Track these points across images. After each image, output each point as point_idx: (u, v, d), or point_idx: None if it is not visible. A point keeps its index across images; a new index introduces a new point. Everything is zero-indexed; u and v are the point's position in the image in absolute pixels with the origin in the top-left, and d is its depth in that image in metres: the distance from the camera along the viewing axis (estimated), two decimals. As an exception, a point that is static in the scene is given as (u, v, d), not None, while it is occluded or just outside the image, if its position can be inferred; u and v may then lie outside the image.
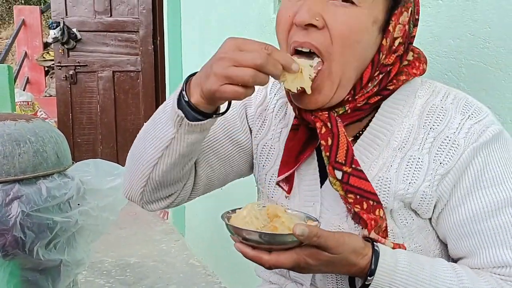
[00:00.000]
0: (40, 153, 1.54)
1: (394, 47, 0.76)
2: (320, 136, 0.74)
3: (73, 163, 1.73)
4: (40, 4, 8.20)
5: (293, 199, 0.84)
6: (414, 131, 0.77)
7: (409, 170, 0.76)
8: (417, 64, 0.80)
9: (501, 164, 0.73)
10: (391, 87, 0.77)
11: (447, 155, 0.74)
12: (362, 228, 0.74)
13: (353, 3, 0.70)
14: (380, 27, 0.73)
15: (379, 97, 0.77)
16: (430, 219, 0.78)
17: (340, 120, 0.75)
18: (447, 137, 0.74)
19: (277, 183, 0.83)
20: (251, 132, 0.91)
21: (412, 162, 0.76)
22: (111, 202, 1.72)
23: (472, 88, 0.99)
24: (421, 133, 0.77)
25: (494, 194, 0.72)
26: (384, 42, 0.74)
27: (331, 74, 0.72)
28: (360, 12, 0.70)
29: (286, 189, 0.82)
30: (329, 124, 0.74)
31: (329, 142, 0.73)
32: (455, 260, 0.79)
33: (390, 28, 0.74)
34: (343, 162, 0.73)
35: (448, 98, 0.78)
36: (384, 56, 0.75)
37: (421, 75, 0.81)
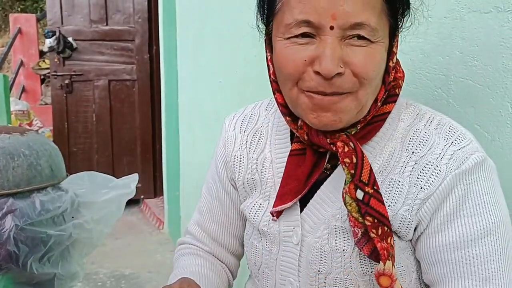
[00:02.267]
0: (34, 166, 1.54)
1: (394, 64, 0.77)
2: (342, 154, 0.73)
3: (67, 175, 1.73)
4: (37, 12, 8.21)
5: (276, 223, 0.84)
6: (396, 154, 0.78)
7: (389, 193, 0.76)
8: (398, 67, 0.81)
9: (482, 193, 0.73)
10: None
11: (428, 180, 0.74)
12: (369, 259, 0.75)
13: (368, 39, 0.69)
14: (386, 49, 0.74)
15: (387, 107, 0.78)
16: (411, 240, 0.79)
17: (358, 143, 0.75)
18: (429, 162, 0.75)
19: (272, 213, 0.83)
20: (235, 184, 0.94)
21: (393, 185, 0.76)
22: (106, 215, 1.72)
23: (461, 105, 1.00)
24: (403, 157, 0.77)
25: (472, 225, 0.72)
26: (390, 63, 0.75)
27: (356, 99, 0.72)
28: (376, 47, 0.70)
29: (275, 215, 0.83)
30: (351, 144, 0.74)
31: (354, 160, 0.73)
32: (427, 286, 0.80)
33: (394, 49, 0.76)
34: (367, 182, 0.72)
35: (432, 123, 0.79)
36: (391, 76, 0.76)
37: (403, 78, 0.82)
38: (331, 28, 0.67)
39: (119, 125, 4.23)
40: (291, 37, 0.71)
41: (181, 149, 3.10)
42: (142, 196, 4.20)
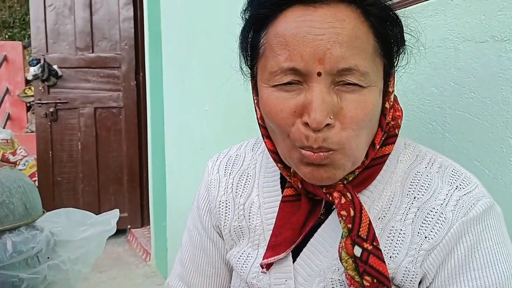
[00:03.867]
0: (6, 204, 1.45)
1: (391, 103, 0.71)
2: (339, 206, 0.67)
3: (43, 212, 1.64)
4: (24, 39, 8.17)
5: (266, 275, 0.76)
6: (396, 199, 0.71)
7: (391, 243, 0.69)
8: (396, 106, 0.75)
9: (493, 243, 0.66)
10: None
11: (433, 229, 0.67)
12: None
13: (359, 85, 0.63)
14: (381, 92, 0.68)
15: (386, 149, 0.73)
16: None
17: (356, 194, 0.69)
18: (434, 208, 0.68)
19: (262, 265, 0.75)
20: (220, 231, 0.87)
21: (394, 233, 0.69)
22: (84, 254, 1.63)
23: (457, 139, 0.94)
24: (404, 202, 0.70)
25: (483, 278, 0.65)
26: (387, 104, 0.70)
27: (345, 155, 0.65)
28: (368, 93, 0.64)
29: (265, 267, 0.75)
30: (348, 195, 0.67)
31: (351, 213, 0.66)
32: None
33: (390, 89, 0.70)
34: (365, 237, 0.65)
35: (434, 166, 0.72)
36: (388, 117, 0.71)
37: (402, 117, 0.76)
38: (319, 74, 0.62)
39: (105, 153, 4.13)
40: (277, 85, 0.65)
41: (167, 178, 3.01)
42: (129, 226, 4.08)
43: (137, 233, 4.02)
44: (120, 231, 3.91)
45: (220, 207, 0.85)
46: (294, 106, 0.64)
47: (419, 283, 0.69)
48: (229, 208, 0.84)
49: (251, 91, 0.76)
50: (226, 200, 0.84)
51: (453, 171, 0.71)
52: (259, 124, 0.75)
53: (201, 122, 2.37)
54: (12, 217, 1.47)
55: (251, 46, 0.70)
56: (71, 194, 4.07)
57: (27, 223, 1.51)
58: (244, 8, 0.72)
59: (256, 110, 0.75)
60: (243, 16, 0.72)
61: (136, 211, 4.16)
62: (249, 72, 0.74)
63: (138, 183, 4.18)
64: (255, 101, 0.75)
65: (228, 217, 0.83)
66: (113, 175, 4.14)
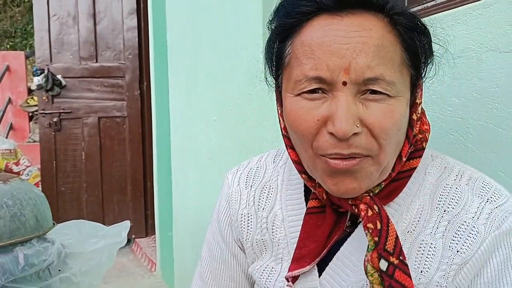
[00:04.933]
0: (17, 217, 1.44)
1: (418, 115, 0.70)
2: (365, 218, 0.66)
3: (54, 224, 1.62)
4: (26, 49, 8.18)
5: None
6: (426, 212, 0.70)
7: (421, 257, 0.68)
8: (423, 119, 0.74)
9: None
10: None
11: (465, 242, 0.66)
12: None
13: (386, 94, 0.63)
14: (408, 103, 0.67)
15: (413, 163, 0.72)
16: None
17: (383, 206, 0.68)
18: (465, 222, 0.67)
19: (287, 278, 0.74)
20: (242, 245, 0.86)
21: (424, 247, 0.68)
22: (95, 266, 1.61)
23: (481, 150, 0.93)
24: (434, 216, 0.69)
25: None
26: (414, 116, 0.69)
27: (376, 162, 0.65)
28: (395, 103, 0.63)
29: (290, 280, 0.74)
30: (375, 207, 0.66)
31: (378, 226, 0.65)
32: None
33: (417, 100, 0.69)
34: (392, 251, 0.64)
35: (463, 178, 0.71)
36: (415, 129, 0.70)
37: (429, 131, 0.75)
38: (344, 83, 0.61)
39: (109, 163, 4.12)
40: (302, 93, 0.64)
41: (173, 188, 2.99)
42: (133, 236, 4.06)
43: (142, 243, 4.00)
44: (125, 241, 3.89)
45: (242, 221, 0.84)
46: (318, 115, 0.63)
47: None
48: (251, 222, 0.82)
49: (276, 102, 0.75)
50: (248, 213, 0.83)
51: (483, 183, 0.70)
52: (282, 134, 0.74)
53: (209, 131, 2.36)
54: (24, 229, 1.45)
55: (277, 56, 0.70)
56: (75, 204, 4.05)
57: (38, 235, 1.49)
58: (271, 19, 0.71)
59: (280, 121, 0.74)
60: (269, 27, 0.72)
61: (141, 221, 4.14)
62: (274, 82, 0.74)
63: (142, 193, 4.16)
64: (279, 111, 0.74)
65: (251, 231, 0.82)
66: (117, 185, 4.13)
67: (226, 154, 2.17)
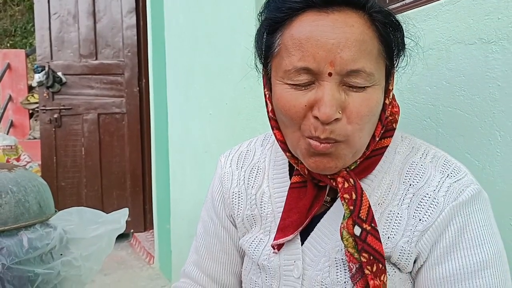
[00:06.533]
0: (22, 203, 1.52)
1: (390, 100, 0.79)
2: (342, 190, 0.74)
3: (56, 211, 1.70)
4: (26, 47, 8.25)
5: (276, 256, 0.83)
6: (394, 186, 0.78)
7: (389, 225, 0.76)
8: (393, 102, 0.83)
9: (480, 225, 0.74)
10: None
11: (426, 212, 0.74)
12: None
13: (365, 86, 0.70)
14: (383, 90, 0.75)
15: (384, 142, 0.80)
16: (411, 272, 0.78)
17: (357, 179, 0.76)
18: (427, 194, 0.75)
19: (273, 246, 0.83)
20: (233, 220, 0.94)
21: (392, 217, 0.77)
22: (95, 251, 1.69)
23: (450, 134, 1.01)
24: (401, 189, 0.78)
25: (472, 256, 0.72)
26: (387, 101, 0.77)
27: (350, 145, 0.73)
28: (373, 91, 0.71)
29: (276, 248, 0.82)
30: (351, 180, 0.75)
31: (353, 196, 0.73)
32: None
33: (390, 87, 0.77)
34: (365, 218, 0.73)
35: (428, 156, 0.80)
36: (387, 112, 0.78)
37: (399, 113, 0.83)
38: (330, 74, 0.69)
39: (109, 159, 4.20)
40: (291, 83, 0.72)
41: (171, 182, 3.07)
42: (132, 230, 4.14)
43: (140, 237, 4.07)
44: (123, 235, 3.97)
45: (233, 198, 0.92)
46: (306, 101, 0.71)
47: (414, 262, 0.76)
48: (242, 199, 0.91)
49: (263, 87, 0.83)
50: (239, 191, 0.92)
51: (445, 161, 0.79)
52: (269, 117, 0.82)
53: (205, 125, 2.44)
54: (28, 215, 1.53)
55: (266, 46, 0.78)
56: (74, 199, 4.13)
57: (41, 220, 1.57)
58: (261, 11, 0.79)
59: (267, 104, 0.82)
60: (259, 18, 0.80)
61: (139, 216, 4.22)
62: (263, 69, 0.82)
63: (141, 188, 4.24)
64: (267, 95, 0.82)
65: (241, 207, 0.91)
66: (116, 180, 4.20)
67: (221, 147, 2.25)
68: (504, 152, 0.90)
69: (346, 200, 0.74)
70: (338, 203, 0.81)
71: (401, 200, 0.77)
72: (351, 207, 0.73)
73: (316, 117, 0.70)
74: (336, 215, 0.80)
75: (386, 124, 0.81)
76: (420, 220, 0.75)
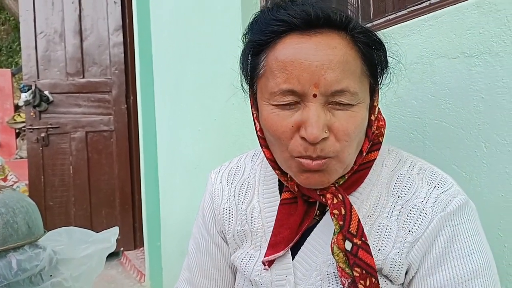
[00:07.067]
0: (10, 224, 1.50)
1: (376, 116, 0.80)
2: (332, 206, 0.75)
3: (45, 232, 1.68)
4: (11, 67, 8.21)
5: (268, 272, 0.84)
6: (383, 199, 0.80)
7: (379, 237, 0.77)
8: (379, 116, 0.84)
9: (469, 234, 0.75)
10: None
11: (415, 223, 0.76)
12: None
13: (350, 104, 0.72)
14: (368, 107, 0.77)
15: (372, 155, 0.81)
16: (402, 284, 0.79)
17: (346, 195, 0.77)
18: (415, 205, 0.77)
19: (263, 262, 0.83)
20: (224, 236, 0.95)
21: (381, 229, 0.78)
22: (85, 271, 1.67)
23: (437, 147, 1.03)
24: (390, 201, 0.79)
25: (462, 266, 0.73)
26: (372, 117, 0.79)
27: (339, 161, 0.74)
28: (357, 109, 0.73)
29: (267, 264, 0.83)
30: (340, 196, 0.76)
31: (343, 212, 0.74)
32: None
33: (375, 103, 0.79)
34: (355, 233, 0.73)
35: (415, 168, 0.81)
36: (373, 128, 0.79)
37: (385, 126, 0.85)
38: (314, 96, 0.70)
39: (97, 177, 4.17)
40: (277, 104, 0.73)
41: (161, 199, 3.06)
42: (122, 248, 4.10)
43: (130, 255, 4.03)
44: (113, 254, 3.92)
45: (224, 214, 0.92)
46: (292, 122, 0.72)
47: (405, 274, 0.77)
48: (232, 214, 0.91)
49: (250, 106, 0.84)
50: (229, 207, 0.92)
51: (431, 173, 0.80)
52: (258, 136, 0.83)
53: (194, 142, 2.45)
54: (16, 236, 1.51)
55: (251, 67, 0.79)
56: (63, 218, 4.08)
57: (30, 242, 1.55)
58: (245, 32, 0.80)
59: (255, 123, 0.83)
60: (243, 40, 0.81)
61: (129, 234, 4.18)
62: (249, 89, 0.83)
63: (130, 206, 4.21)
64: (254, 115, 0.83)
65: (232, 222, 0.91)
66: (105, 198, 4.17)
67: (211, 163, 2.25)
68: (490, 163, 0.92)
69: (336, 216, 0.75)
70: (327, 216, 0.82)
71: (390, 212, 0.78)
72: (341, 222, 0.74)
73: (303, 138, 0.71)
74: (326, 228, 0.81)
75: (373, 139, 0.82)
76: (409, 231, 0.76)
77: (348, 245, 0.73)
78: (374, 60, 0.76)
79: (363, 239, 0.74)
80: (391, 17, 1.21)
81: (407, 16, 1.13)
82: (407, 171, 0.81)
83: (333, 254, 0.74)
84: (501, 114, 0.90)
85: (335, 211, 0.75)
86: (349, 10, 0.80)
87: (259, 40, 0.76)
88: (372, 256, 0.73)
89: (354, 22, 0.73)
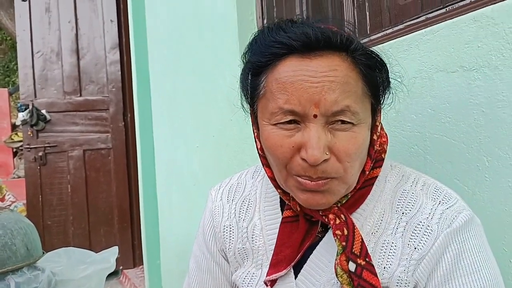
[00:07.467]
0: (8, 246, 1.49)
1: (378, 134, 0.80)
2: (334, 226, 0.74)
3: (43, 253, 1.67)
4: (9, 86, 8.22)
5: None
6: (387, 215, 0.79)
7: (384, 255, 0.76)
8: (381, 132, 0.83)
9: (476, 251, 0.74)
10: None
11: (421, 240, 0.75)
12: None
13: (351, 123, 0.71)
14: (369, 127, 0.76)
15: (374, 172, 0.80)
16: None
17: (349, 215, 0.76)
18: (420, 222, 0.76)
19: (265, 282, 0.82)
20: (225, 255, 0.93)
21: (386, 246, 0.77)
22: (84, 292, 1.65)
23: (438, 161, 1.02)
24: (394, 218, 0.78)
25: (470, 283, 0.72)
26: (374, 136, 0.78)
27: (342, 182, 0.73)
28: (359, 129, 0.72)
29: (269, 284, 0.81)
30: (342, 217, 0.75)
31: (345, 232, 0.73)
32: None
33: (377, 123, 0.78)
34: (358, 254, 0.72)
35: (418, 184, 0.80)
36: (376, 146, 0.79)
37: (387, 142, 0.84)
38: (315, 116, 0.70)
39: (95, 195, 4.14)
40: (278, 123, 0.73)
41: (160, 216, 3.04)
42: (121, 267, 4.05)
43: (130, 273, 3.99)
44: (113, 273, 3.87)
45: (224, 232, 0.91)
46: (293, 143, 0.72)
47: None
48: (233, 232, 0.90)
49: (251, 124, 0.83)
50: (230, 225, 0.91)
51: (435, 188, 0.79)
52: (259, 154, 0.83)
53: (192, 159, 2.44)
54: (15, 258, 1.50)
55: (252, 87, 0.78)
56: (61, 237, 4.05)
57: (29, 263, 1.54)
58: (245, 52, 0.80)
59: (256, 142, 0.83)
60: (243, 60, 0.81)
61: (128, 252, 4.15)
62: (250, 108, 0.82)
63: (129, 223, 4.18)
64: (255, 134, 0.82)
65: (233, 240, 0.90)
66: (104, 217, 4.14)
67: (209, 180, 2.24)
68: (492, 177, 0.92)
69: (338, 236, 0.74)
70: (329, 233, 0.81)
71: (394, 229, 0.77)
72: (344, 243, 0.73)
73: (304, 159, 0.71)
74: (328, 245, 0.80)
75: (376, 157, 0.81)
76: (415, 248, 0.75)
77: (352, 266, 0.72)
78: (375, 81, 0.75)
79: (367, 259, 0.73)
80: (388, 31, 1.21)
81: (405, 31, 1.13)
82: (410, 187, 0.80)
83: (337, 276, 0.73)
84: (502, 128, 0.89)
85: (338, 232, 0.74)
86: (345, 27, 0.80)
87: (259, 62, 0.75)
88: (377, 277, 0.72)
89: (356, 43, 0.73)
